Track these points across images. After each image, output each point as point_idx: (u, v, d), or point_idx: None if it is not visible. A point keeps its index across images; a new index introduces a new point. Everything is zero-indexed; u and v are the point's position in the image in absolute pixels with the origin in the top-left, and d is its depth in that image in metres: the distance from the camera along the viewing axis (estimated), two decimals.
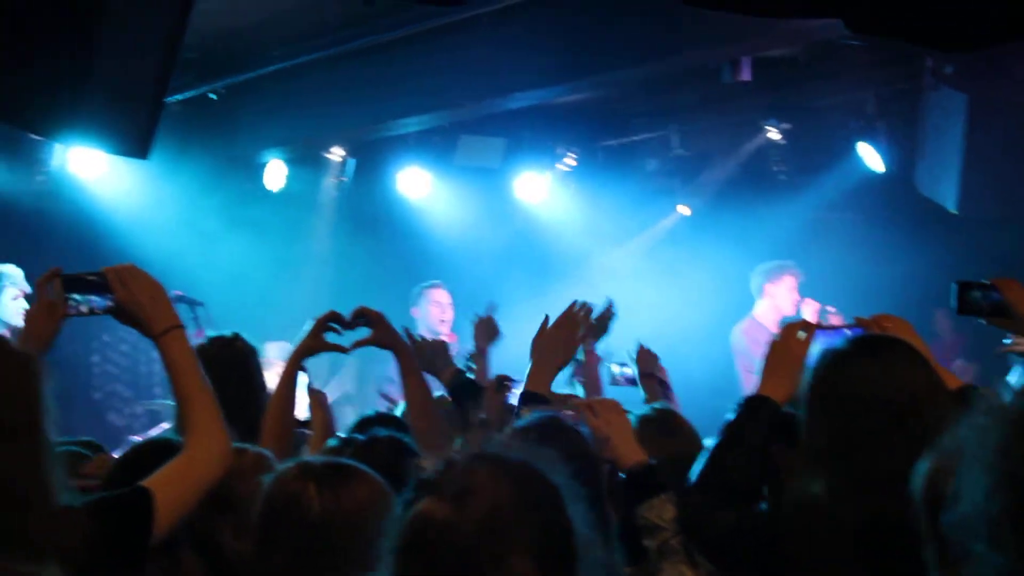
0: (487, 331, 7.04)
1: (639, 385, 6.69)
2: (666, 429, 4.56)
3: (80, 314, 3.92)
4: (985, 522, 2.17)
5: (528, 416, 4.33)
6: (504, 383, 5.20)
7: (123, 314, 3.88)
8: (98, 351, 11.56)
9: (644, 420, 4.73)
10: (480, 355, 6.97)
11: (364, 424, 5.22)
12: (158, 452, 4.19)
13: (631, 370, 6.86)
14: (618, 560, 3.87)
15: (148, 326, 3.84)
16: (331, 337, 5.31)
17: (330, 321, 5.28)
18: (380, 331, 5.30)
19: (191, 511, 3.62)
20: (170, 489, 3.52)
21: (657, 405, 4.99)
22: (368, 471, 3.32)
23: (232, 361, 5.84)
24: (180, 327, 3.87)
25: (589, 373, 6.82)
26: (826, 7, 6.74)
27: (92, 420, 10.46)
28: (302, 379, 5.45)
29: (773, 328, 9.84)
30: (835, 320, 9.75)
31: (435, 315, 10.43)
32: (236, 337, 6.02)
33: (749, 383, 9.71)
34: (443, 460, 2.43)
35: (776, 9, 6.87)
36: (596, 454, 4.07)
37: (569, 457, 2.84)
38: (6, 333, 9.40)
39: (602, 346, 6.96)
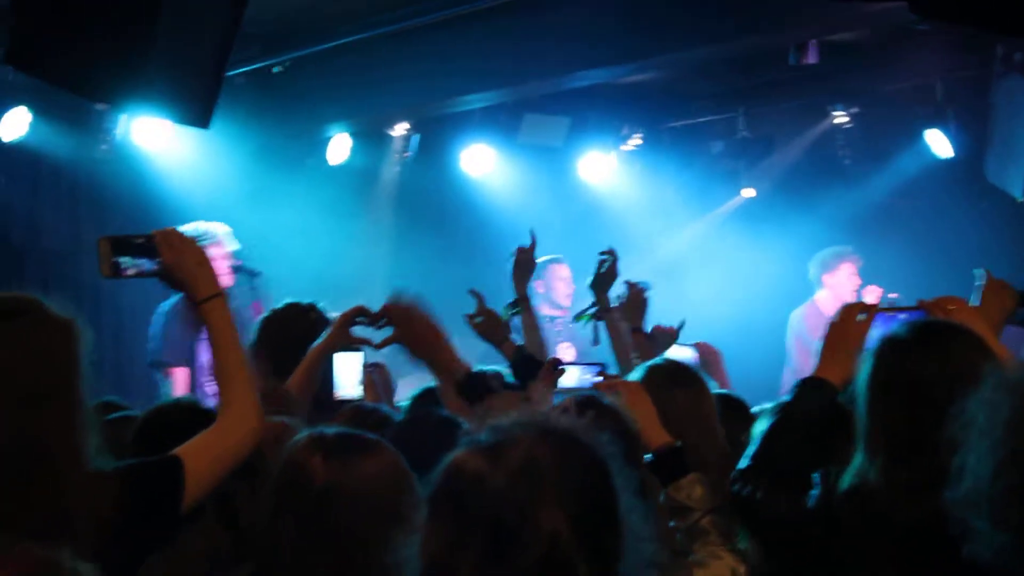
0: (524, 269, 6.79)
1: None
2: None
3: (127, 276, 3.90)
4: (989, 499, 2.14)
5: (564, 395, 4.29)
6: (558, 366, 5.13)
7: (169, 278, 3.88)
8: None
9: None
10: (523, 301, 6.74)
11: (423, 397, 5.21)
12: (183, 412, 4.25)
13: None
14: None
15: (192, 291, 3.84)
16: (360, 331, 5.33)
17: (357, 316, 5.30)
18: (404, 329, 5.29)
19: (220, 482, 3.64)
20: (201, 459, 3.54)
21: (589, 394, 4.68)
22: (385, 445, 3.32)
23: (306, 329, 5.86)
24: (223, 295, 3.87)
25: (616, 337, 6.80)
26: None
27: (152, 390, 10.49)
28: (357, 357, 5.43)
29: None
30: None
31: (562, 291, 10.69)
32: (312, 307, 6.07)
33: (807, 366, 9.70)
34: (488, 424, 2.42)
35: None
36: (637, 434, 4.03)
37: (613, 435, 2.80)
38: None
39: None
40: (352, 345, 5.38)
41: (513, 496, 2.26)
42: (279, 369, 5.56)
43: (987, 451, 2.20)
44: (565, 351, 9.96)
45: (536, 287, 10.14)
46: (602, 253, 6.94)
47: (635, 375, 4.83)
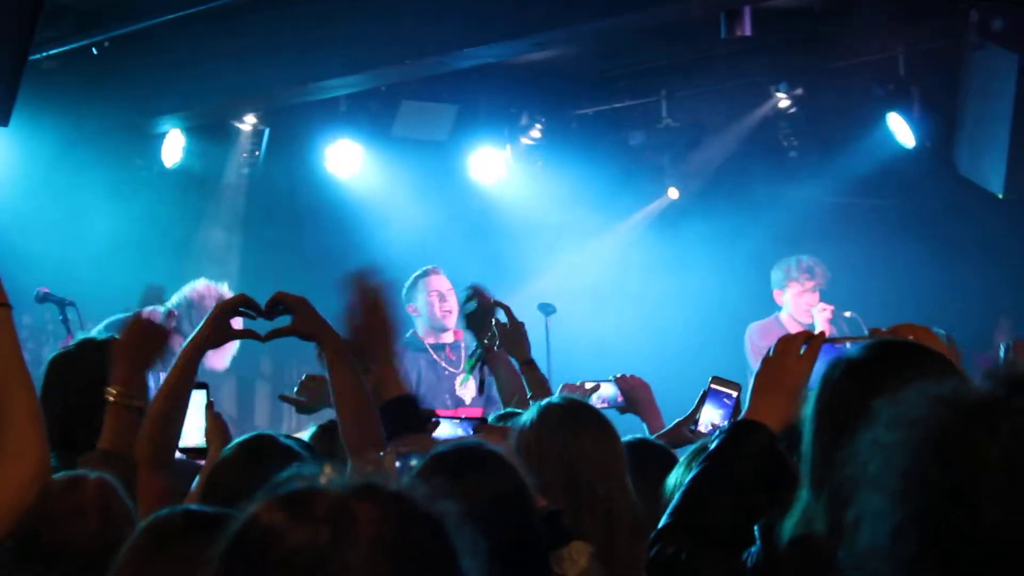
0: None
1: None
2: (472, 464, 4.06)
3: None
4: (892, 560, 2.11)
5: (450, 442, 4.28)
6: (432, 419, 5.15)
7: None
8: None
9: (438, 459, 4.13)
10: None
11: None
12: None
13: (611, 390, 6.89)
14: None
15: None
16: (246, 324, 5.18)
17: (240, 307, 5.12)
18: (302, 318, 5.17)
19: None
20: None
21: (470, 442, 4.60)
22: None
23: (103, 366, 5.70)
24: (5, 306, 3.66)
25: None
26: None
27: None
28: (199, 397, 5.34)
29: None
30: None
31: (436, 306, 10.30)
32: (113, 340, 5.91)
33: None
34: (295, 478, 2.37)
35: None
36: (528, 486, 3.98)
37: (494, 489, 2.71)
38: None
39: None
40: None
41: (316, 548, 2.19)
42: (69, 433, 5.40)
43: (885, 505, 2.15)
44: (467, 388, 9.88)
45: (409, 311, 10.22)
46: (466, 289, 7.10)
47: (527, 416, 4.91)
